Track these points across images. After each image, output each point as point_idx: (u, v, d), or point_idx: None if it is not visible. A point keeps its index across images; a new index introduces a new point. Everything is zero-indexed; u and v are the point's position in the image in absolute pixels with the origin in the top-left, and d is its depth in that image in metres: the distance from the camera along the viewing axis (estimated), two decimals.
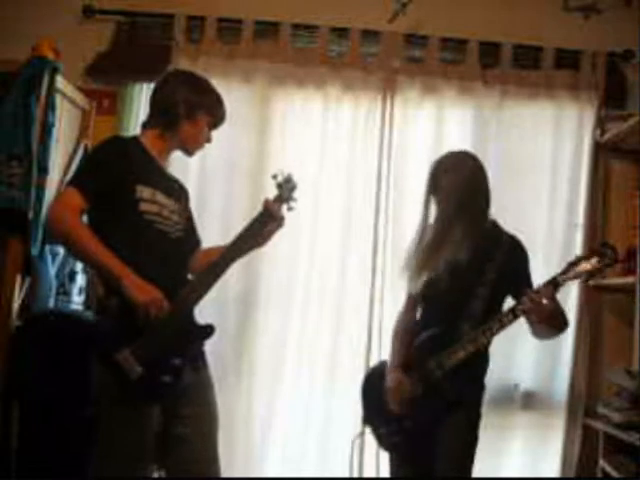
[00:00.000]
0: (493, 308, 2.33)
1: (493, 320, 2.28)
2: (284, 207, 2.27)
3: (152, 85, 3.33)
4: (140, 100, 3.30)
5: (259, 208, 2.27)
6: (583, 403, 3.18)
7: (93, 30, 3.31)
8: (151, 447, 2.07)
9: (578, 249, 3.16)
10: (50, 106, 2.83)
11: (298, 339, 3.19)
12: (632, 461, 2.75)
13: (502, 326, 2.27)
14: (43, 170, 2.79)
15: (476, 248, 2.34)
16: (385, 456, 2.94)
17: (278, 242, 2.88)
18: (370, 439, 3.05)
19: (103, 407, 2.07)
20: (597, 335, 3.27)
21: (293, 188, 2.27)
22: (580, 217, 3.25)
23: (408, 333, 2.48)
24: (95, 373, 2.07)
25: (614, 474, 2.82)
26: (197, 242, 2.38)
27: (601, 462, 2.94)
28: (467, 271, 2.34)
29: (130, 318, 2.00)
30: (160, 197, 2.16)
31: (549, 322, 2.29)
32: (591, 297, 3.24)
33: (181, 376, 2.06)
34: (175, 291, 2.08)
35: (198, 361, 2.21)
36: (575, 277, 2.25)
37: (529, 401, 3.20)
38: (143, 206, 2.10)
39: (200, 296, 2.15)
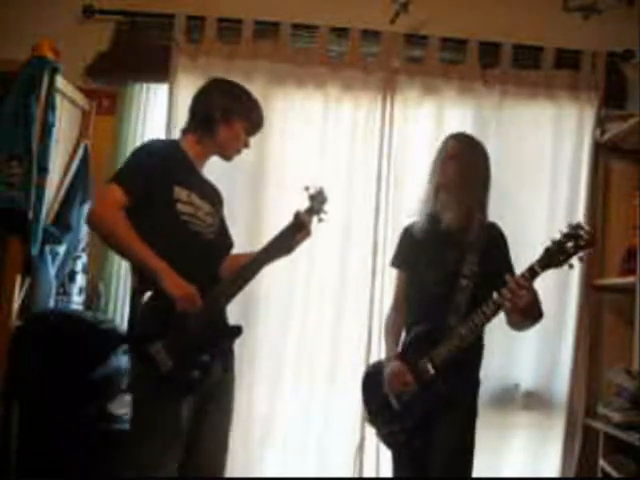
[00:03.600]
0: (478, 300, 2.32)
1: (476, 312, 2.26)
2: (315, 218, 2.35)
3: (152, 85, 3.37)
4: (140, 100, 3.30)
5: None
6: (583, 403, 3.17)
7: (93, 30, 3.31)
8: (183, 435, 2.12)
9: None
10: (50, 106, 2.84)
11: (298, 339, 3.19)
12: (632, 461, 2.75)
13: (487, 318, 2.25)
14: (43, 170, 2.80)
15: (458, 236, 2.36)
16: (385, 457, 2.96)
17: None
18: (370, 440, 3.08)
19: (137, 396, 2.16)
20: (597, 335, 3.27)
21: (324, 201, 2.36)
22: (580, 217, 3.24)
23: (400, 328, 2.51)
24: (130, 363, 2.20)
25: (614, 474, 2.82)
26: (229, 245, 2.43)
27: (601, 462, 2.95)
28: (449, 261, 2.35)
29: (164, 313, 2.07)
30: (196, 199, 2.23)
31: (525, 312, 2.26)
32: (591, 297, 3.24)
33: (210, 372, 2.13)
34: (207, 290, 2.14)
35: (229, 361, 2.29)
36: (553, 263, 2.18)
37: (529, 401, 3.19)
38: (179, 207, 2.18)
39: (231, 296, 2.22)
